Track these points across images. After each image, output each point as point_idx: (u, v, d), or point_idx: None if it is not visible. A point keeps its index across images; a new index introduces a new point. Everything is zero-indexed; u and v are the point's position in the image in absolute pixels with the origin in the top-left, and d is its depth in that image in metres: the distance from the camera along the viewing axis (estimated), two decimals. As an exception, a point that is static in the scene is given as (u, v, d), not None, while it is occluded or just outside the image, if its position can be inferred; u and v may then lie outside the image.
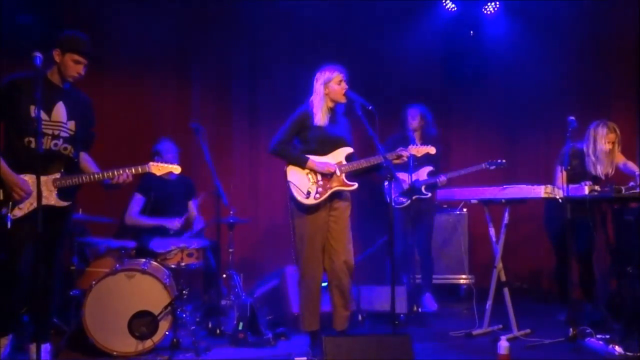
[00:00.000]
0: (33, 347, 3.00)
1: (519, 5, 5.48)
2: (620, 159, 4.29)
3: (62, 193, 3.10)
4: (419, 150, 3.58)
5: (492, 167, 4.47)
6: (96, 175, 3.13)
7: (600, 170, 4.21)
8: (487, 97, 5.64)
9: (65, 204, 3.11)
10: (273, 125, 4.96)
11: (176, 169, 3.33)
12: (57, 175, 3.09)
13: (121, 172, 3.12)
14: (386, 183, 4.06)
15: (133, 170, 3.15)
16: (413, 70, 5.44)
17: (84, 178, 3.11)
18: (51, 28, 4.29)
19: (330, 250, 3.37)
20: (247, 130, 5.33)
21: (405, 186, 4.58)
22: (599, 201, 3.98)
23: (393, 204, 4.33)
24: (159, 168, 3.24)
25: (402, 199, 4.62)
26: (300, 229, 3.36)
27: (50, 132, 3.08)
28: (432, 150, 3.62)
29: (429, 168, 4.75)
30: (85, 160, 3.30)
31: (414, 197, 4.60)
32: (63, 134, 3.12)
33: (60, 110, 3.11)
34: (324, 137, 3.38)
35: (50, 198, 3.06)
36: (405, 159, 3.46)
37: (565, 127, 3.78)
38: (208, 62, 5.14)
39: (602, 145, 4.17)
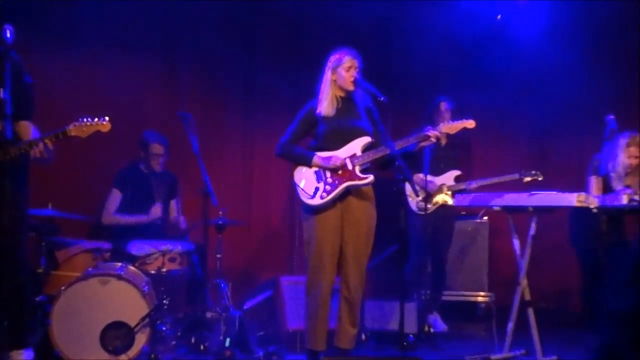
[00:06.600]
0: (14, 355, 3.09)
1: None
2: None
3: None
4: (453, 126, 3.44)
5: (528, 178, 4.59)
6: (12, 151, 3.01)
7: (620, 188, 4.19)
8: (513, 94, 5.60)
9: None
10: (270, 116, 5.15)
11: (104, 127, 3.11)
12: None
13: (37, 142, 3.01)
14: (408, 186, 4.07)
15: (52, 137, 3.02)
16: (429, 60, 5.40)
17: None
18: (29, 7, 4.35)
19: (343, 258, 3.35)
20: (241, 121, 5.31)
21: (433, 188, 4.59)
22: (637, 213, 4.01)
23: (414, 208, 4.54)
24: (82, 129, 3.06)
25: (427, 205, 4.56)
26: (308, 233, 3.35)
27: None
28: (471, 124, 3.44)
29: (456, 172, 4.73)
30: (24, 130, 3.15)
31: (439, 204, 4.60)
32: None
33: None
34: (334, 129, 3.37)
35: None
36: (434, 140, 3.36)
37: (603, 128, 3.77)
38: (198, 43, 5.12)
39: (624, 159, 4.16)
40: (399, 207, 3.34)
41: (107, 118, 3.11)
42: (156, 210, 4.23)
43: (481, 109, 5.31)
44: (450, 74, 5.57)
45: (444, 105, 4.68)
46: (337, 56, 3.40)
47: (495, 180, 4.68)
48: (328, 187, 3.32)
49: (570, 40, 5.47)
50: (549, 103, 5.63)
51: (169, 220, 4.41)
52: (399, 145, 3.31)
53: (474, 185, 4.66)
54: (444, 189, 4.65)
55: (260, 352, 3.72)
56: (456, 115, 4.52)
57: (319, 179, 3.35)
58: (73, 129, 3.06)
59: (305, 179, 3.37)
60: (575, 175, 4.96)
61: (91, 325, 3.40)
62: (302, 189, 3.36)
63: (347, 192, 3.35)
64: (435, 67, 5.48)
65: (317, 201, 3.32)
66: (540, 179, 4.59)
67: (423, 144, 3.40)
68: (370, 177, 3.34)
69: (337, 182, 3.33)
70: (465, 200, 4.14)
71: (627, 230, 4.36)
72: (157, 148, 4.36)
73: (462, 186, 4.67)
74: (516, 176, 4.62)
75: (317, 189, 3.33)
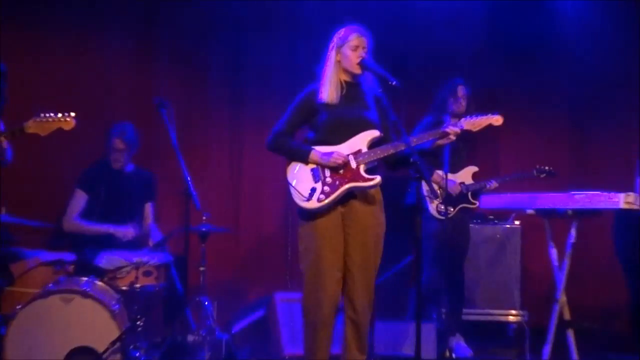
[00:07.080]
0: None
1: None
2: None
3: None
4: (476, 122, 3.30)
5: (542, 175, 4.62)
6: None
7: None
8: (548, 75, 5.47)
9: None
10: (262, 104, 5.04)
11: (67, 124, 3.12)
12: None
13: None
14: (427, 188, 4.13)
15: (8, 134, 3.06)
16: (448, 34, 5.27)
17: None
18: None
19: (347, 273, 3.24)
20: (227, 110, 5.21)
21: (456, 190, 4.51)
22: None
23: (435, 213, 4.49)
24: (42, 125, 3.06)
25: (449, 208, 4.49)
26: (304, 242, 3.26)
27: None
28: (498, 120, 3.31)
29: (474, 168, 4.63)
30: None
31: (459, 206, 4.50)
32: None
33: None
34: (337, 120, 3.26)
35: None
36: (454, 137, 3.22)
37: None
38: (177, 20, 5.02)
39: None
40: (412, 210, 3.24)
41: (72, 114, 3.09)
42: (130, 232, 4.16)
43: (508, 90, 5.43)
44: (471, 51, 5.46)
45: (462, 90, 4.58)
46: (342, 33, 3.31)
47: (511, 177, 4.70)
48: (327, 189, 3.19)
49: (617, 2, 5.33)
50: (589, 82, 5.46)
51: (144, 227, 4.35)
52: (413, 142, 3.21)
53: (494, 184, 4.59)
54: (462, 189, 4.58)
55: (252, 382, 3.68)
56: (471, 101, 4.58)
57: (316, 178, 3.21)
58: (32, 126, 3.06)
59: (299, 178, 3.24)
60: (621, 170, 4.80)
61: (52, 350, 3.35)
62: (295, 189, 3.21)
63: (350, 194, 3.22)
64: (454, 43, 5.36)
65: (313, 204, 3.17)
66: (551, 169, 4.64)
67: (440, 142, 3.32)
68: (377, 179, 3.19)
69: (337, 182, 3.19)
70: (494, 202, 4.07)
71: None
72: (117, 143, 4.26)
73: (483, 185, 4.60)
74: (533, 173, 4.63)
75: (313, 189, 3.19)
